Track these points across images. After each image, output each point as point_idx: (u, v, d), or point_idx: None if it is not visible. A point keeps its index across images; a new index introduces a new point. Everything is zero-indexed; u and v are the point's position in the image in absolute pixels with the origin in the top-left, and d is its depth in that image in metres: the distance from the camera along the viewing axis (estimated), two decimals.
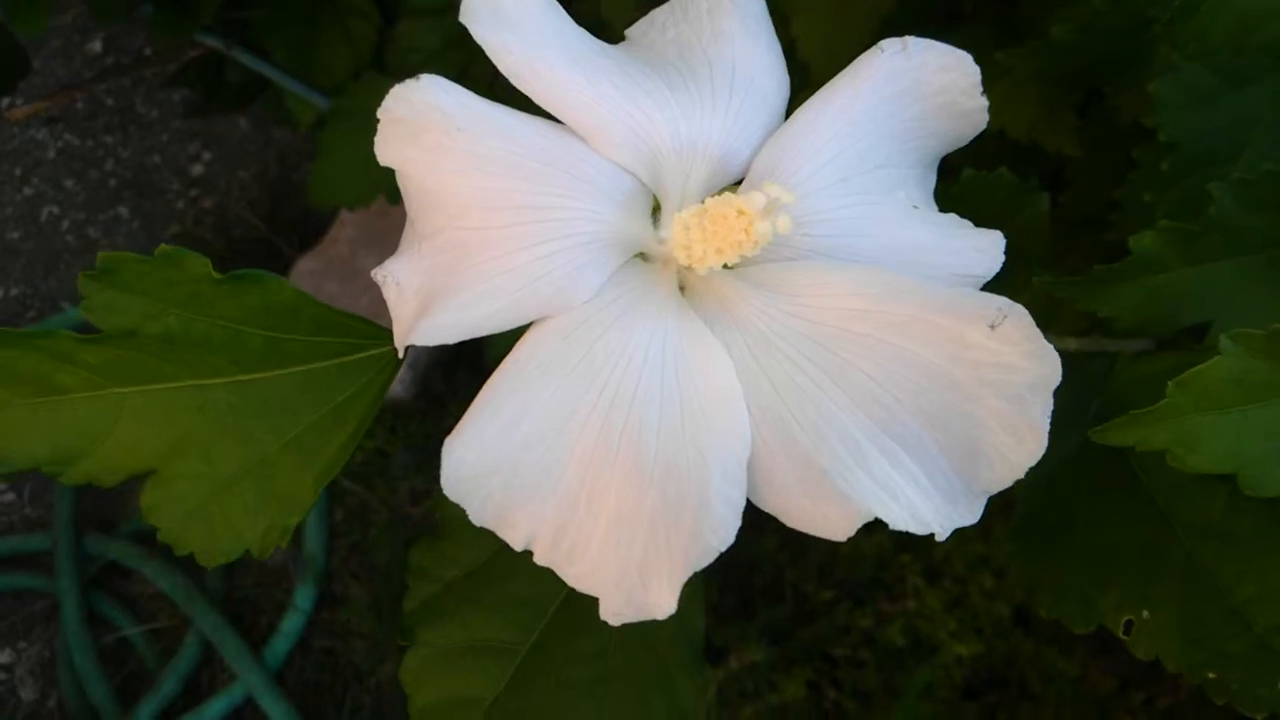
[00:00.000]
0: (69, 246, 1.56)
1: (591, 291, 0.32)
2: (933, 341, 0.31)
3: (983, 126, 0.36)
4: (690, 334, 0.32)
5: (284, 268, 1.45)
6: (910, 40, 0.35)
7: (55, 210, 1.57)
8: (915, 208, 0.36)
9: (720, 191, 0.34)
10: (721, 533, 0.29)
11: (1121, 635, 0.41)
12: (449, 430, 0.31)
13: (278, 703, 1.22)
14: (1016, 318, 0.30)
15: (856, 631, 1.25)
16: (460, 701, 0.39)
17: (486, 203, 0.31)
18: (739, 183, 0.35)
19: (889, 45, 0.35)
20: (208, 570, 1.28)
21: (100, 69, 1.60)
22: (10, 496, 1.41)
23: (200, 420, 0.35)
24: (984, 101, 0.36)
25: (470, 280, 0.31)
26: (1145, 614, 0.40)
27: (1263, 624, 0.38)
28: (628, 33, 0.37)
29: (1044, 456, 0.31)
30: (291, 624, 1.26)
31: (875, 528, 0.30)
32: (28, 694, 1.32)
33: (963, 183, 0.49)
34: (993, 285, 0.36)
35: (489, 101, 0.32)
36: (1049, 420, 0.30)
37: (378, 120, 0.32)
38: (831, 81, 0.35)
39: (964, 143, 0.37)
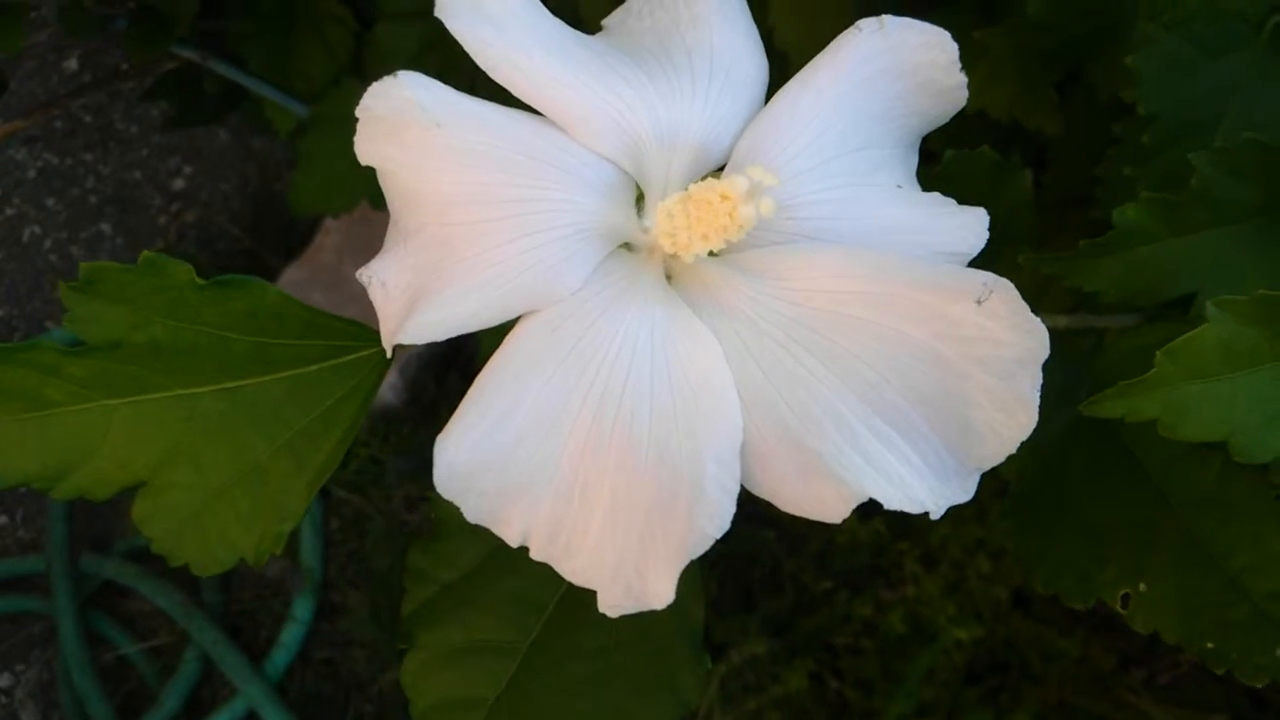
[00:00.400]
0: (52, 266, 1.55)
1: (578, 283, 0.32)
2: (920, 319, 0.31)
3: (962, 103, 0.36)
4: (678, 322, 0.32)
5: (270, 279, 1.45)
6: (887, 19, 0.35)
7: (37, 230, 1.56)
8: (899, 187, 0.36)
9: (703, 178, 0.34)
10: (717, 519, 0.29)
11: (1119, 609, 0.41)
12: None
13: (280, 715, 1.22)
14: (1003, 292, 0.30)
15: (856, 620, 1.25)
16: (462, 702, 0.39)
17: (469, 197, 0.31)
18: (722, 169, 0.35)
19: (866, 25, 0.35)
20: (205, 585, 1.27)
21: (78, 86, 1.59)
22: (3, 519, 1.40)
23: (190, 429, 0.35)
24: (963, 78, 0.35)
25: (456, 276, 0.31)
26: (1142, 587, 0.40)
27: (1260, 592, 0.38)
28: (605, 22, 0.37)
29: (1036, 434, 0.31)
30: (291, 636, 1.26)
31: (871, 513, 0.30)
32: (28, 717, 1.31)
33: (946, 163, 0.49)
34: (979, 264, 0.36)
35: (468, 96, 0.32)
36: (1039, 394, 0.30)
37: (357, 119, 0.32)
38: (810, 63, 0.35)
39: (944, 120, 0.37)
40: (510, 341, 0.31)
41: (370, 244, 1.44)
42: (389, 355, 0.32)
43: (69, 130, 1.60)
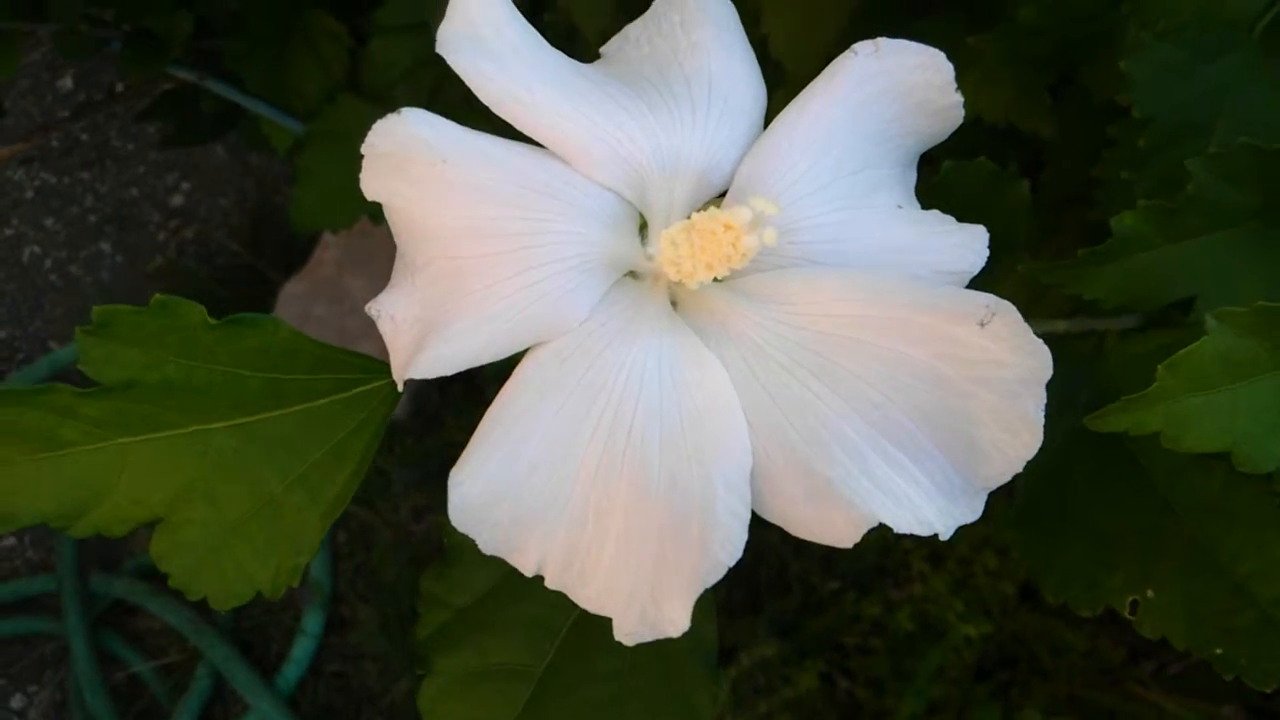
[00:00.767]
0: (53, 285, 1.55)
1: (585, 313, 0.32)
2: (923, 341, 0.31)
3: (959, 122, 0.37)
4: (685, 349, 0.32)
5: (270, 293, 1.45)
6: (882, 41, 0.35)
7: (37, 250, 1.57)
8: (899, 207, 0.36)
9: (705, 205, 0.34)
10: (729, 546, 0.30)
11: (1127, 615, 0.42)
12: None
13: None
14: (1005, 314, 0.30)
15: (865, 619, 1.25)
16: None
17: (476, 231, 0.31)
18: (723, 194, 0.35)
19: (861, 48, 0.35)
20: None
21: (73, 105, 1.60)
22: (11, 541, 1.41)
23: (204, 465, 0.36)
24: (959, 98, 0.36)
25: (465, 309, 0.31)
26: (1150, 593, 0.41)
27: (1266, 598, 0.38)
28: (603, 50, 0.38)
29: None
30: (302, 650, 1.27)
31: None
32: None
33: (944, 173, 0.49)
34: (978, 272, 0.37)
35: (471, 131, 0.32)
36: (1043, 414, 0.30)
37: (361, 155, 0.32)
38: (807, 88, 0.35)
39: (942, 139, 0.38)
40: (520, 373, 0.32)
41: (370, 256, 1.44)
42: (400, 389, 0.33)
43: (66, 149, 1.60)
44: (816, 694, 1.22)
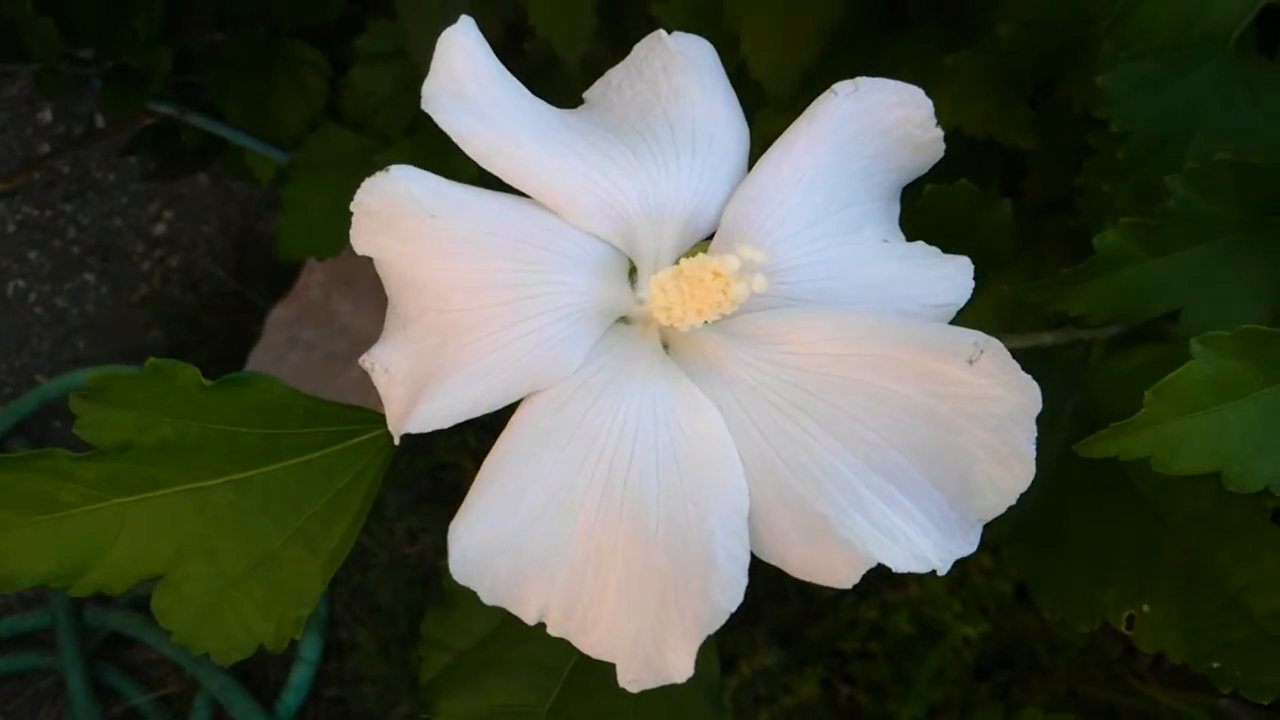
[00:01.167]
0: (39, 319, 1.55)
1: (579, 361, 0.32)
2: (914, 379, 0.32)
3: (940, 155, 0.37)
4: (679, 392, 0.33)
5: (257, 319, 1.45)
6: (862, 81, 0.35)
7: (21, 284, 1.56)
8: (885, 241, 0.37)
9: (693, 250, 0.35)
10: (730, 590, 0.30)
11: (1124, 630, 0.42)
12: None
13: None
14: (993, 351, 0.31)
15: (863, 624, 1.26)
16: None
17: (467, 284, 0.32)
18: (711, 236, 0.35)
19: (841, 88, 0.35)
20: None
21: (52, 137, 1.59)
22: None
23: (202, 521, 0.36)
24: (939, 132, 0.36)
25: (460, 362, 0.31)
26: (1145, 608, 0.41)
27: (1260, 611, 0.38)
28: (586, 96, 0.38)
29: None
30: (300, 677, 1.26)
31: None
32: None
33: (926, 196, 0.50)
34: None
35: (460, 185, 0.33)
36: (1034, 446, 0.31)
37: (351, 213, 0.33)
38: (790, 129, 0.35)
39: (923, 171, 0.38)
40: (516, 423, 0.32)
41: (355, 279, 1.44)
42: (396, 443, 0.33)
43: (47, 182, 1.60)
44: (818, 701, 1.23)
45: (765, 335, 0.33)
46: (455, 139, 0.32)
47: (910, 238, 0.38)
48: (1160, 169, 0.55)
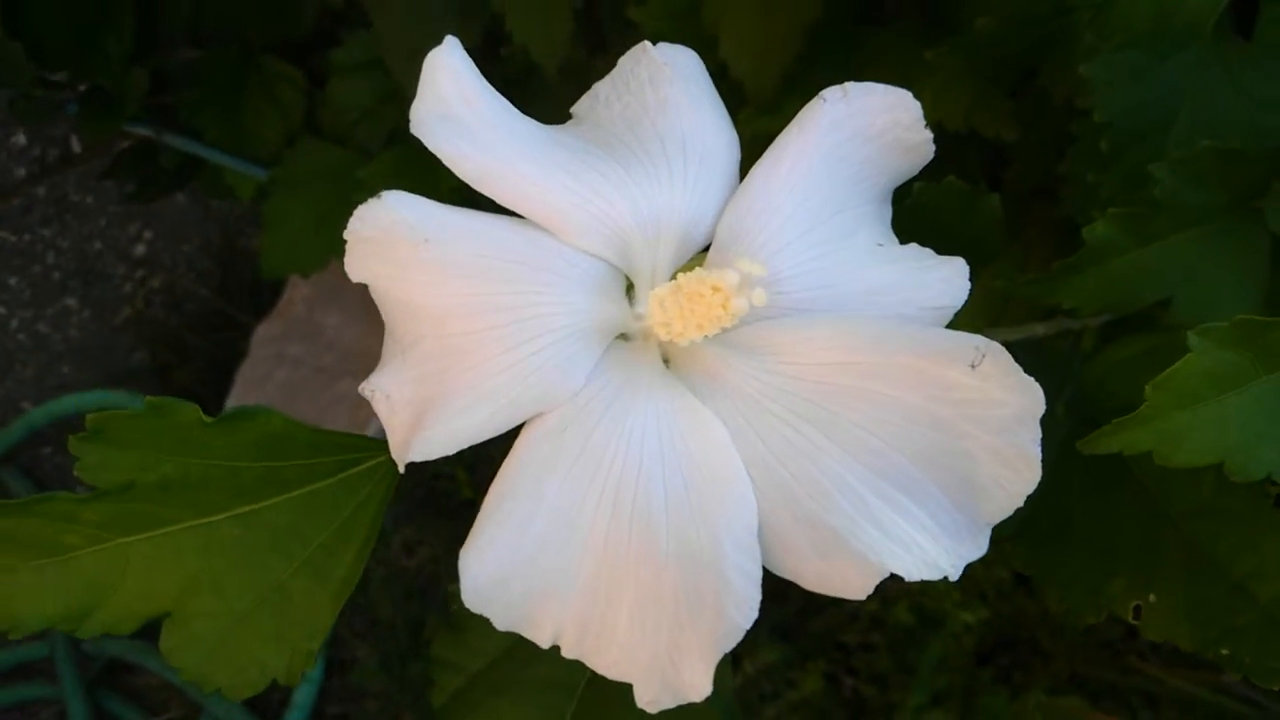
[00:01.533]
0: (22, 345, 1.54)
1: (581, 381, 0.32)
2: (916, 385, 0.32)
3: (929, 158, 0.37)
4: (682, 408, 0.33)
5: (243, 336, 1.44)
6: (850, 86, 0.35)
7: (2, 310, 1.55)
8: (879, 245, 0.37)
9: (690, 263, 0.35)
10: (744, 607, 0.30)
11: (1132, 620, 0.42)
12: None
13: None
14: (995, 355, 0.31)
15: (865, 616, 1.26)
16: None
17: (464, 308, 0.31)
18: (707, 248, 0.35)
19: (830, 94, 0.35)
20: None
21: (27, 161, 1.58)
22: None
23: (208, 557, 0.35)
24: (928, 134, 0.36)
25: (461, 387, 0.31)
26: (1152, 598, 0.41)
27: (1266, 597, 0.39)
28: (573, 110, 0.38)
29: None
30: (303, 695, 1.26)
31: None
32: None
33: (916, 194, 0.50)
34: None
35: (453, 208, 0.32)
36: (1039, 448, 0.31)
37: (345, 241, 0.32)
38: (780, 137, 0.35)
39: (914, 173, 0.38)
40: (520, 447, 0.32)
41: (339, 292, 1.43)
42: (401, 471, 0.33)
43: (25, 207, 1.58)
44: (822, 694, 1.23)
45: (765, 346, 0.33)
46: (446, 162, 0.32)
47: (901, 237, 0.38)
48: (1144, 157, 0.55)
